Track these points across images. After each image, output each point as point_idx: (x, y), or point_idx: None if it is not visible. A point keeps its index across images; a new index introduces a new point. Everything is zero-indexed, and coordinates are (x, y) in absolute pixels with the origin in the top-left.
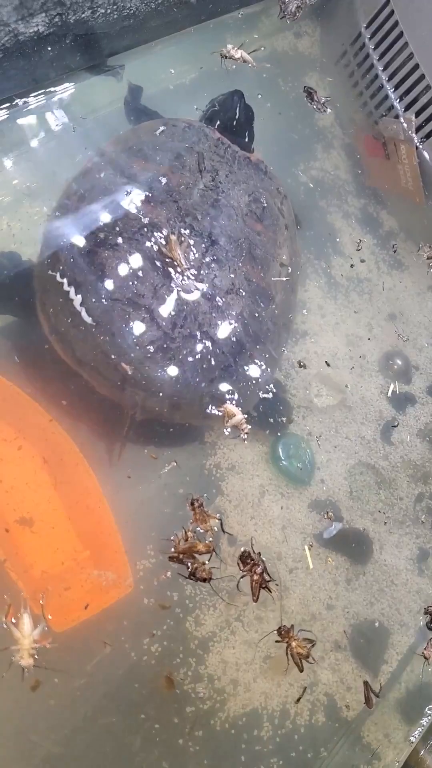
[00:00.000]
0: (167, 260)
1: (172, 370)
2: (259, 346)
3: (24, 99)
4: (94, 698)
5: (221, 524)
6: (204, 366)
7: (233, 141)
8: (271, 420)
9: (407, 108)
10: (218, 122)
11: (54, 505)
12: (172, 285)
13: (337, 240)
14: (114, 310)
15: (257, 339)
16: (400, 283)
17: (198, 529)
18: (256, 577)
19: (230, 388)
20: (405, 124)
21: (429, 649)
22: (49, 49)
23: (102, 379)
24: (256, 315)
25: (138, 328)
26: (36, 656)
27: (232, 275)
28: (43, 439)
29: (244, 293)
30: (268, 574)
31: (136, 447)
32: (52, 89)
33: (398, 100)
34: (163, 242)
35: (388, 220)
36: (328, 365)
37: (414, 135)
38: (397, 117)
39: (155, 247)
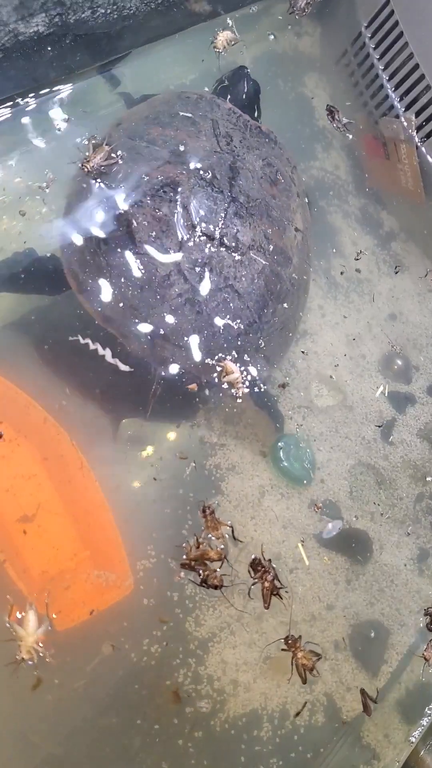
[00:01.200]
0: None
1: (201, 323)
2: (280, 305)
3: (24, 99)
4: (94, 699)
5: (232, 531)
6: (230, 320)
7: (243, 112)
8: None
9: (407, 108)
10: (228, 97)
11: (54, 504)
12: (197, 238)
13: (337, 240)
14: (141, 263)
15: (279, 297)
16: (401, 283)
17: (209, 536)
18: (267, 584)
19: (256, 343)
20: (405, 124)
21: (429, 650)
22: (49, 49)
23: (130, 334)
24: (277, 273)
25: (165, 281)
26: (40, 654)
27: (254, 231)
28: (43, 438)
29: (265, 251)
30: (279, 581)
31: (136, 448)
32: (53, 89)
33: (398, 100)
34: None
35: (388, 220)
36: (329, 365)
37: (414, 135)
38: (397, 117)
39: (179, 204)
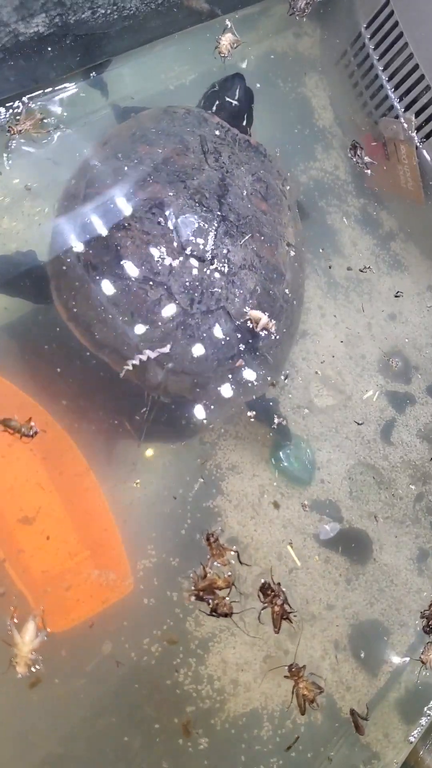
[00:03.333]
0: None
1: (193, 347)
2: (274, 322)
3: (24, 99)
4: (94, 698)
5: (238, 556)
6: (223, 342)
7: (232, 125)
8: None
9: (407, 108)
10: (217, 102)
11: (54, 505)
12: (188, 261)
13: (337, 240)
14: (131, 289)
15: (272, 315)
16: (400, 283)
17: (216, 563)
18: (277, 609)
19: (251, 363)
20: (405, 124)
21: (426, 653)
22: (50, 49)
23: (123, 361)
24: (270, 292)
25: (155, 306)
26: (36, 667)
27: (244, 251)
28: (43, 438)
29: (256, 269)
30: (289, 605)
31: (135, 448)
32: (53, 89)
33: (398, 101)
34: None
35: (388, 220)
36: (329, 365)
37: (414, 135)
38: (397, 117)
39: (168, 225)
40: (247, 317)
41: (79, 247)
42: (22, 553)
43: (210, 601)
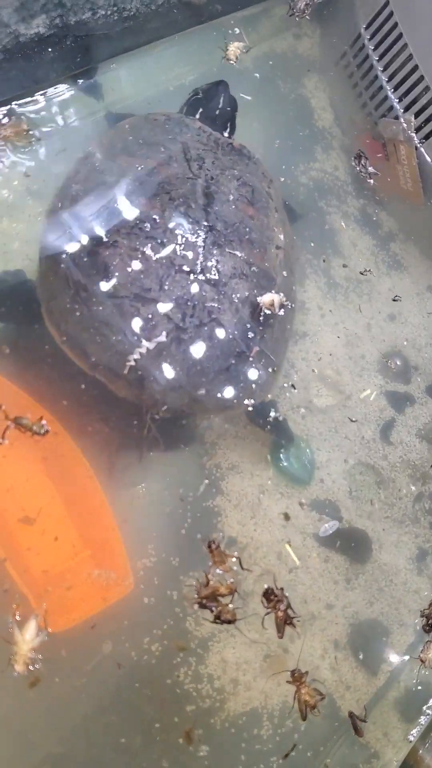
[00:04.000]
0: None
1: (188, 361)
2: (267, 329)
3: (25, 100)
4: (95, 698)
5: (240, 562)
6: (218, 354)
7: (214, 129)
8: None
9: (407, 109)
10: (201, 110)
11: (55, 504)
12: (178, 276)
13: (337, 240)
14: (123, 307)
15: (265, 322)
16: (400, 283)
17: (218, 570)
18: (280, 614)
19: (246, 373)
20: (405, 125)
21: (425, 652)
22: (50, 50)
23: (119, 380)
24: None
25: (149, 322)
26: (35, 666)
27: (234, 260)
28: (44, 438)
29: (247, 277)
30: (292, 610)
31: (135, 444)
32: (53, 90)
33: (398, 101)
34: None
35: (388, 220)
36: (329, 365)
37: (413, 135)
38: (396, 118)
39: (155, 240)
40: (261, 306)
41: (67, 266)
42: (23, 553)
43: (213, 608)
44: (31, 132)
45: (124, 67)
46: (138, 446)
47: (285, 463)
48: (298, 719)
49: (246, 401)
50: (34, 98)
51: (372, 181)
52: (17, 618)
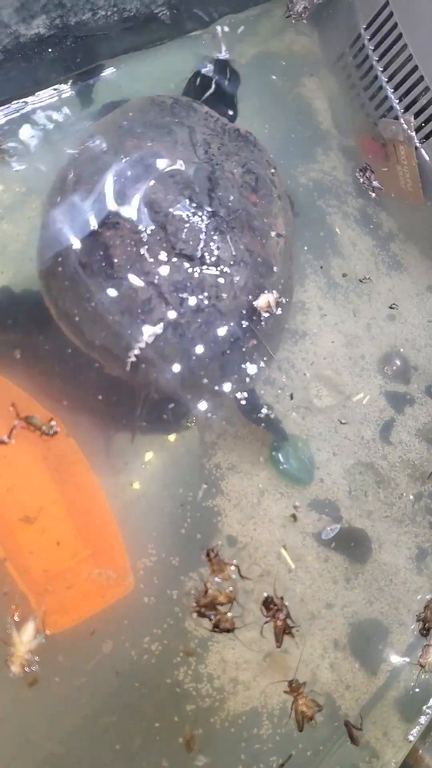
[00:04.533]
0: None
1: (184, 346)
2: (276, 294)
3: (25, 100)
4: (94, 697)
5: (238, 570)
6: (214, 339)
7: (220, 112)
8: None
9: (406, 109)
10: (205, 83)
11: (55, 504)
12: (178, 260)
13: (337, 241)
14: (121, 288)
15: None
16: (400, 284)
17: (216, 579)
18: (279, 623)
19: (240, 361)
20: (404, 125)
21: (424, 657)
22: (50, 50)
23: (114, 359)
24: (260, 286)
25: (146, 305)
26: (32, 668)
27: (234, 246)
28: (44, 438)
29: (246, 264)
30: (291, 620)
31: (135, 447)
32: (53, 90)
33: (397, 102)
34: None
35: (387, 221)
36: (328, 366)
37: (413, 136)
38: (396, 118)
39: (158, 223)
40: (258, 310)
41: (67, 245)
42: (23, 552)
43: (212, 617)
44: (6, 146)
45: (124, 67)
46: (130, 427)
47: (285, 464)
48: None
49: (239, 392)
50: (33, 98)
51: (374, 194)
52: (15, 619)
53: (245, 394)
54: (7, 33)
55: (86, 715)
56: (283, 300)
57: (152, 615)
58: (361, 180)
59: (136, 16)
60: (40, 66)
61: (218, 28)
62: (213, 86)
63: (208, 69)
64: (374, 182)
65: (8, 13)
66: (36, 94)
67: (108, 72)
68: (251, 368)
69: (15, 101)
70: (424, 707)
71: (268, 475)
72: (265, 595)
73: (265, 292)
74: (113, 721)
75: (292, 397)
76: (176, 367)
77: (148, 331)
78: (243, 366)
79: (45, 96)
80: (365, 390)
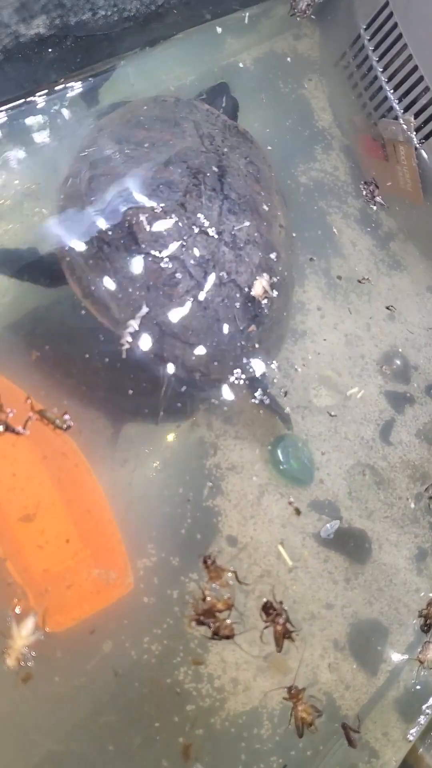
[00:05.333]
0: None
1: (208, 319)
2: (276, 297)
3: (25, 100)
4: (94, 697)
5: (236, 576)
6: (236, 315)
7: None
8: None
9: (406, 109)
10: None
11: (55, 503)
12: (198, 236)
13: (337, 240)
14: (146, 263)
15: (274, 289)
16: (400, 283)
17: (214, 585)
18: (279, 628)
19: (260, 337)
20: (404, 125)
21: (424, 653)
22: (50, 50)
23: (140, 335)
24: (272, 267)
25: (171, 279)
26: (27, 663)
27: (247, 227)
28: (43, 437)
29: (257, 245)
30: (291, 624)
31: (136, 447)
32: (53, 90)
33: (397, 102)
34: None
35: (387, 220)
36: (328, 365)
37: (413, 136)
38: (396, 118)
39: (176, 202)
40: (257, 298)
41: (88, 226)
42: (23, 552)
43: (211, 624)
44: None
45: (124, 67)
46: (155, 411)
47: (285, 465)
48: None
49: (254, 373)
50: (34, 98)
51: (375, 207)
52: (17, 612)
53: (258, 375)
54: (7, 33)
55: (86, 714)
56: (275, 280)
57: (152, 615)
58: (364, 192)
59: (136, 16)
60: (40, 66)
61: (218, 28)
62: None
63: (205, 98)
64: (377, 197)
65: (8, 13)
66: (36, 94)
67: (108, 72)
68: (266, 349)
69: (15, 101)
70: (424, 707)
71: (268, 475)
72: (264, 600)
73: (256, 279)
74: (113, 721)
75: (285, 394)
76: (201, 340)
77: (174, 305)
78: (260, 345)
79: (45, 96)
80: (359, 385)
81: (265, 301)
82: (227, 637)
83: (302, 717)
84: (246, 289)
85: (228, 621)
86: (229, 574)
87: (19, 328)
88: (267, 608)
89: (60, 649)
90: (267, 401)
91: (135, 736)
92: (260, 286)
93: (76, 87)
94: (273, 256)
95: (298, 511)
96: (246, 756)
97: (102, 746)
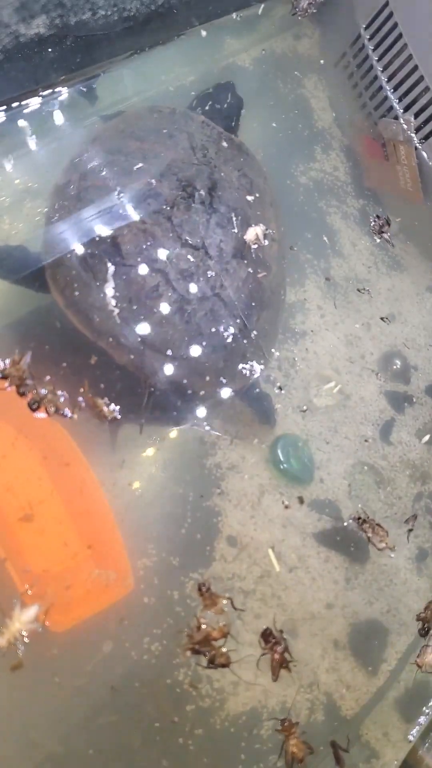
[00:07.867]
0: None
1: (191, 333)
2: (263, 312)
3: (25, 100)
4: (95, 697)
5: (231, 603)
6: (219, 329)
7: (220, 124)
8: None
9: (406, 109)
10: (210, 102)
11: (55, 503)
12: (183, 250)
13: (336, 241)
14: (129, 276)
15: (262, 304)
16: (400, 284)
17: (209, 613)
18: (277, 656)
19: (244, 351)
20: (404, 125)
21: (422, 657)
22: (50, 50)
23: (120, 347)
24: (260, 282)
25: (154, 292)
26: (19, 648)
27: (235, 241)
28: (43, 437)
29: (246, 260)
30: (289, 654)
31: (136, 447)
32: (53, 90)
33: (397, 101)
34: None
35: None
36: (328, 366)
37: (413, 136)
38: (396, 118)
39: (163, 215)
40: (248, 243)
41: (75, 236)
42: (23, 552)
43: (207, 653)
44: None
45: (124, 67)
46: (138, 419)
47: (285, 465)
48: (298, 719)
49: (241, 379)
50: (33, 98)
51: (378, 240)
52: (28, 592)
53: (245, 386)
54: (7, 33)
55: (86, 714)
56: (270, 231)
57: (152, 615)
58: (372, 223)
59: (136, 16)
60: (40, 66)
61: (219, 28)
62: (215, 107)
63: (211, 92)
64: (385, 234)
65: (8, 13)
66: (36, 93)
67: (108, 72)
68: (252, 362)
69: (15, 101)
70: (424, 707)
71: (268, 475)
72: (265, 627)
73: (252, 225)
74: (113, 721)
75: (281, 388)
76: (183, 353)
77: (156, 317)
78: (244, 358)
79: (45, 96)
80: (363, 388)
81: (254, 246)
82: (224, 666)
83: (293, 752)
84: (230, 304)
85: (224, 649)
86: (224, 602)
87: (17, 327)
88: (266, 636)
89: (60, 650)
90: (250, 398)
91: (135, 736)
92: (254, 232)
93: (76, 87)
94: (262, 269)
95: (301, 500)
96: (246, 756)
97: (102, 746)
